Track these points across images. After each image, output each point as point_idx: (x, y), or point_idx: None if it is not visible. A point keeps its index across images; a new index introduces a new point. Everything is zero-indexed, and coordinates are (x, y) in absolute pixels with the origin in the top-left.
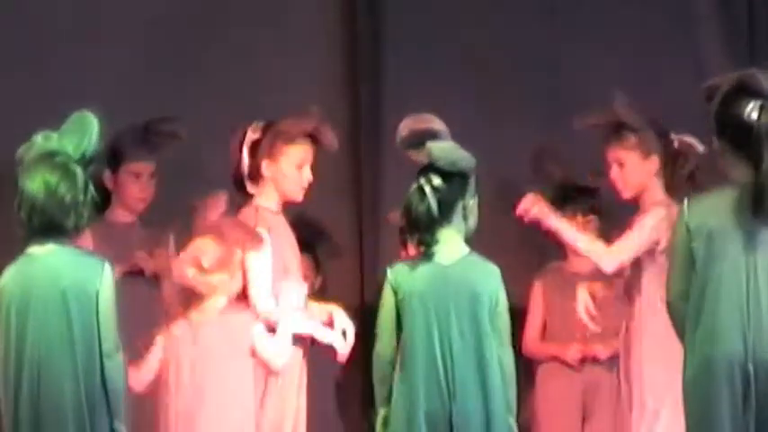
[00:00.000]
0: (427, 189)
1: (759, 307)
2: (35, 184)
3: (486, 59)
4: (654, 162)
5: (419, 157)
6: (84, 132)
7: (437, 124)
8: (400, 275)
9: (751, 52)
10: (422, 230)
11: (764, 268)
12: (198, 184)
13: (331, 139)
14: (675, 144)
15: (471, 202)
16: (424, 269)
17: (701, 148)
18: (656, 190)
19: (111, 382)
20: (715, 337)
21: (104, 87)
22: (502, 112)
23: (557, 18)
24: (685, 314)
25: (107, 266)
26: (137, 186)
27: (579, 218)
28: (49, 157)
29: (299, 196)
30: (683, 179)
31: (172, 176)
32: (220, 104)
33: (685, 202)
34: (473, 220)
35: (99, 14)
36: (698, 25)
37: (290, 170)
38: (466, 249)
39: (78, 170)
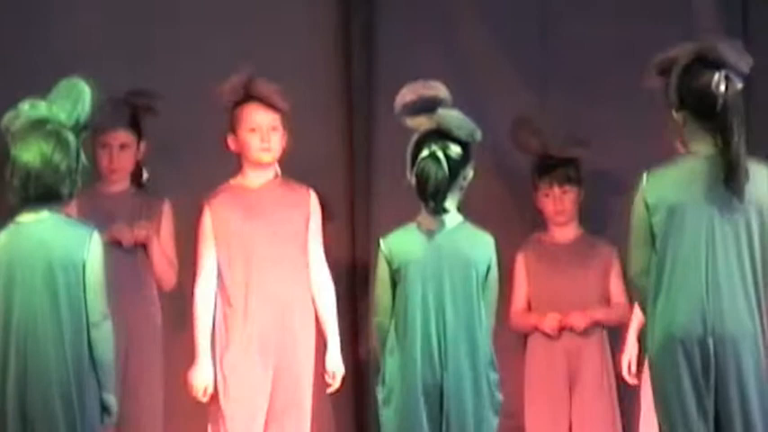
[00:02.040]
0: (441, 155)
1: (717, 281)
2: (30, 152)
3: (474, 30)
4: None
5: (421, 123)
6: (76, 99)
7: (444, 92)
8: (394, 245)
9: (744, 22)
10: (440, 198)
11: (723, 242)
12: (195, 154)
13: (266, 88)
14: None
15: (471, 172)
16: (418, 238)
17: None
18: None
19: (98, 353)
20: (674, 313)
21: (83, 57)
22: (489, 84)
23: None
24: (646, 289)
25: (95, 236)
26: (105, 157)
27: (556, 189)
28: (40, 124)
29: (263, 158)
30: None
31: (170, 146)
32: (217, 75)
33: (644, 176)
34: (464, 186)
35: None
36: None
37: (246, 134)
38: (460, 218)
39: (71, 137)
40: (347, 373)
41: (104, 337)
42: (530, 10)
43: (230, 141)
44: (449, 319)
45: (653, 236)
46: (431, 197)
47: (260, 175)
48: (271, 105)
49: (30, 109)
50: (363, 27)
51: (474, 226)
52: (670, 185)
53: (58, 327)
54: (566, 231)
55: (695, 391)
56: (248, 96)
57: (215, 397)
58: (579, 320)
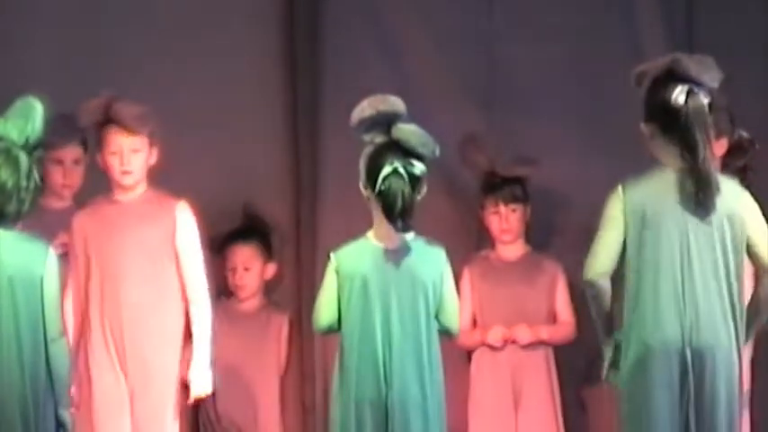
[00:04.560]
0: (403, 172)
1: (694, 292)
2: None
3: (420, 49)
4: (722, 145)
5: (377, 137)
6: (27, 118)
7: (401, 106)
8: (344, 259)
9: (689, 40)
10: (408, 216)
11: (698, 253)
12: None
13: (125, 112)
14: (736, 136)
15: (425, 188)
16: (368, 253)
17: (757, 146)
18: None
19: (55, 369)
20: (652, 324)
21: (35, 72)
22: (436, 102)
23: (493, 3)
24: (605, 293)
25: (51, 251)
26: (59, 173)
27: (502, 207)
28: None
29: (124, 181)
30: (734, 171)
31: None
32: (163, 92)
33: (619, 186)
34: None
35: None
36: (636, 10)
37: (108, 157)
38: (411, 233)
39: (22, 156)
40: (297, 408)
41: (62, 352)
42: (475, 29)
43: (99, 160)
44: (395, 337)
45: (623, 241)
46: (400, 216)
47: (127, 194)
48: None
49: None
50: (309, 44)
51: (425, 240)
52: (645, 197)
53: (18, 343)
54: (512, 249)
55: (669, 403)
56: (109, 119)
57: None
58: (524, 334)
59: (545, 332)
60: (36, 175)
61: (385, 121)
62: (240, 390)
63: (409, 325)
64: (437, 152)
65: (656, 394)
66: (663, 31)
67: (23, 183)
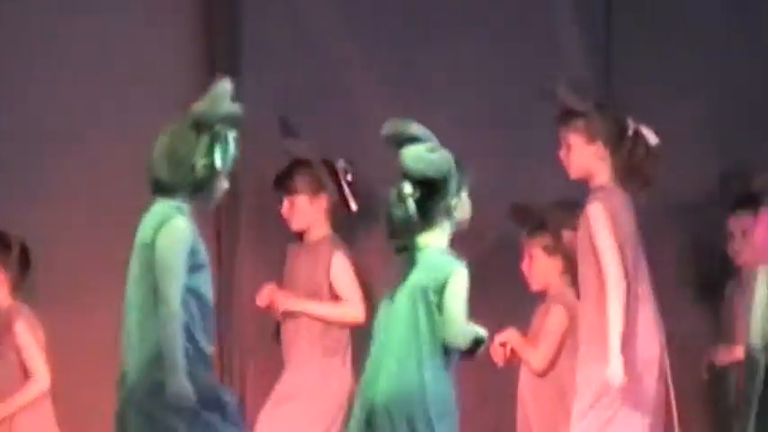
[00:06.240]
0: (394, 198)
1: None
2: (158, 141)
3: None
4: (599, 147)
5: None
6: (210, 96)
7: (406, 129)
8: None
9: (608, 37)
10: (399, 237)
11: None
12: None
13: None
14: (630, 132)
15: (454, 201)
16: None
17: (654, 139)
18: (602, 174)
19: (159, 333)
20: None
21: None
22: (356, 88)
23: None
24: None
25: (174, 221)
26: None
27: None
28: (184, 118)
29: None
30: (633, 168)
31: None
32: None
33: None
34: (461, 214)
35: None
36: (554, 11)
37: None
38: (437, 247)
39: (201, 132)
40: None
41: (162, 320)
42: (398, 26)
43: None
44: (393, 343)
45: None
46: (389, 237)
47: None
48: None
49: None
50: (228, 48)
51: (441, 252)
52: None
53: (137, 303)
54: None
55: None
56: None
57: None
58: (283, 301)
59: (310, 306)
60: (217, 155)
61: (394, 145)
62: None
63: (395, 330)
64: (429, 174)
65: None
66: (580, 34)
67: (198, 159)
